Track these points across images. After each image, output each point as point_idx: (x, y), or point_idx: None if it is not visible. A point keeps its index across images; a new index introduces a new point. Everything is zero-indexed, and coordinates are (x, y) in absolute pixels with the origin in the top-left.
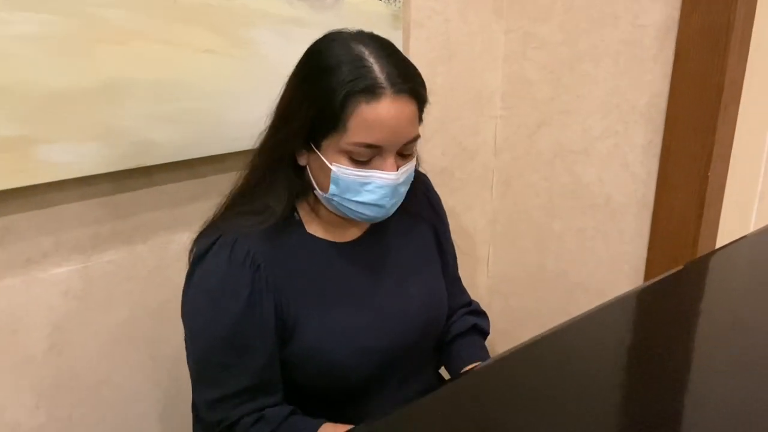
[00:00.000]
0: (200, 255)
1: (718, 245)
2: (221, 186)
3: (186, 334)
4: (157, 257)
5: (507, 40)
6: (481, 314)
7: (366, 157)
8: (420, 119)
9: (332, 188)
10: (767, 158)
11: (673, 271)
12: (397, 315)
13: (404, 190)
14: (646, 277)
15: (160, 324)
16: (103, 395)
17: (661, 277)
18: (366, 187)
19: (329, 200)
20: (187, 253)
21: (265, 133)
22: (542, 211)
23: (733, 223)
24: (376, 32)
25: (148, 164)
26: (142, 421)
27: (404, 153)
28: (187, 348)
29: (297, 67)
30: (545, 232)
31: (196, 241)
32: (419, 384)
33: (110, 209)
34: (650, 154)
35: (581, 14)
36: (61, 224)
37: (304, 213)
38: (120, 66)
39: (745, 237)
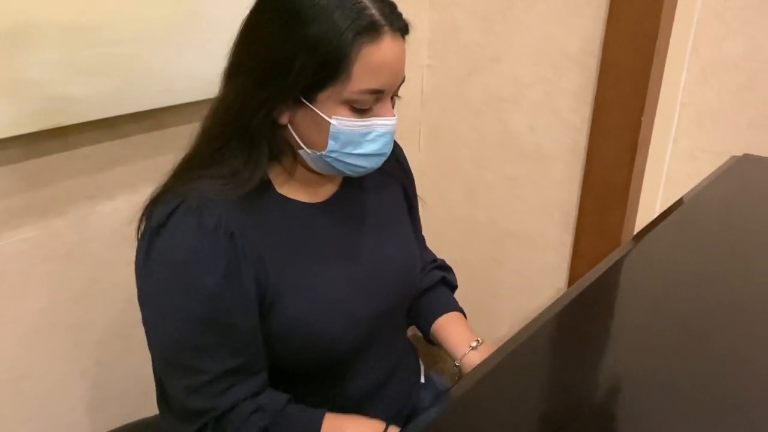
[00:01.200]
0: (160, 224)
1: (643, 190)
2: (147, 147)
3: (148, 318)
4: (77, 232)
5: None
6: (448, 269)
7: (369, 104)
8: None
9: (331, 144)
10: (681, 100)
11: (619, 254)
12: (379, 279)
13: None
14: (578, 224)
15: (84, 307)
16: (24, 392)
17: (608, 265)
18: (367, 137)
19: (321, 158)
20: (122, 219)
21: (231, 89)
22: (471, 163)
23: (651, 165)
24: None
25: (64, 124)
26: (71, 416)
27: (395, 95)
28: (150, 333)
29: (266, 13)
30: (474, 183)
31: (150, 209)
32: (396, 352)
33: (21, 178)
34: (582, 100)
35: None
36: None
37: (275, 175)
38: (25, 5)
39: (681, 201)
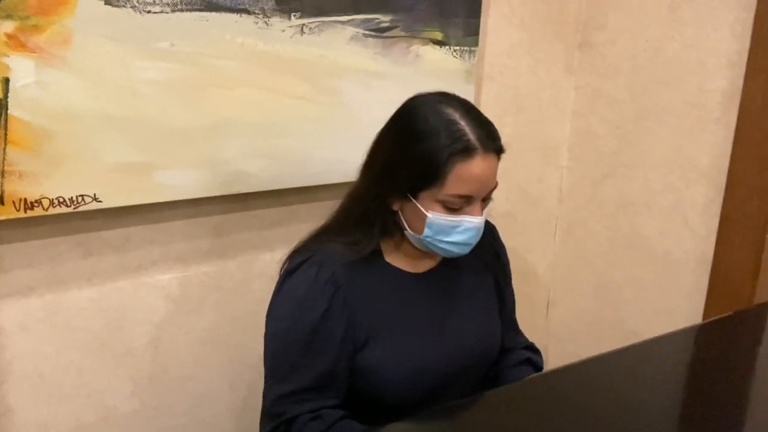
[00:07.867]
0: (292, 269)
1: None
2: (304, 214)
3: (267, 333)
4: (243, 272)
5: (576, 96)
6: (536, 351)
7: (458, 205)
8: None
9: (426, 231)
10: None
11: (725, 315)
12: (455, 341)
13: (483, 227)
14: None
15: (241, 332)
16: (187, 390)
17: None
18: (456, 230)
19: (420, 240)
20: (278, 267)
21: (362, 180)
22: (602, 260)
23: None
24: (449, 86)
25: (244, 191)
26: (217, 419)
27: (486, 198)
28: (266, 345)
29: (393, 128)
30: (605, 280)
31: (290, 258)
32: None
33: (209, 228)
34: (710, 212)
35: (648, 75)
36: (169, 238)
37: (386, 247)
38: (228, 108)
39: None
